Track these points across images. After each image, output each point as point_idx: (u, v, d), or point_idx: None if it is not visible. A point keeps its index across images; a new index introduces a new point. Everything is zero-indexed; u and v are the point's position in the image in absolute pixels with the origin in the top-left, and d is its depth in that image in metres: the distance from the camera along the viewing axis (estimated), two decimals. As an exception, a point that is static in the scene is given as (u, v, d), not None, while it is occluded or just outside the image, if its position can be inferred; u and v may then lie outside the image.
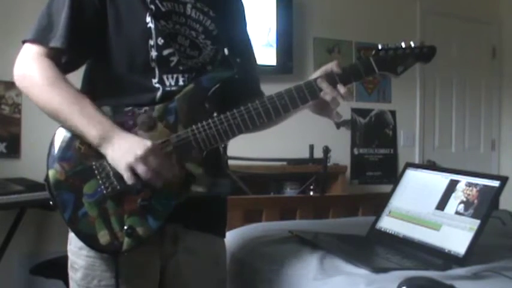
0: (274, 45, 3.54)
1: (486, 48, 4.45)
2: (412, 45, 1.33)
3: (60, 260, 1.67)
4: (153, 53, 1.25)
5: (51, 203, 1.18)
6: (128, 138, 1.16)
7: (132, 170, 1.13)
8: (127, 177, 1.14)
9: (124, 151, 1.14)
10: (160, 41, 1.25)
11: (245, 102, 1.27)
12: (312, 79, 1.29)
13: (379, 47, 1.31)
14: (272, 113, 1.26)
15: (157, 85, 1.25)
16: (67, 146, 1.19)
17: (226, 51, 1.32)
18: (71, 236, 1.25)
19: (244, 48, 1.46)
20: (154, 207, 1.19)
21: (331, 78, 1.28)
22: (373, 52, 1.31)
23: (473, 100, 4.40)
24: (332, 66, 1.30)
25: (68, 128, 1.19)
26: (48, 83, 1.19)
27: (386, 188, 1.91)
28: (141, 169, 1.13)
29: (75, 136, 1.19)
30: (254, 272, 1.55)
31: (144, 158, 1.13)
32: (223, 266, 1.46)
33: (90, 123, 1.16)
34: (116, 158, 1.15)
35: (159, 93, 1.24)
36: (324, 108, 1.33)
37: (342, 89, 1.27)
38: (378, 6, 3.94)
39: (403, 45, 1.33)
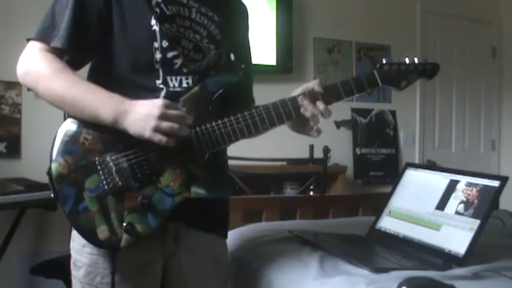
0: (274, 45, 3.53)
1: (486, 48, 4.44)
2: (416, 61, 1.35)
3: (60, 260, 1.68)
4: (158, 55, 1.26)
5: (52, 195, 1.19)
6: (140, 104, 1.17)
7: (159, 130, 1.15)
8: (158, 139, 1.15)
9: (143, 118, 1.15)
10: (165, 44, 1.26)
11: (238, 109, 1.28)
12: (296, 95, 1.31)
13: (383, 61, 1.34)
14: (276, 120, 1.28)
15: (161, 86, 1.26)
16: (71, 140, 1.20)
17: (232, 56, 1.34)
18: (74, 233, 1.26)
19: (246, 55, 1.48)
20: (155, 205, 1.20)
21: (312, 96, 1.30)
22: (377, 66, 1.34)
23: (473, 100, 4.40)
24: (314, 84, 1.31)
25: (79, 113, 1.20)
26: (54, 72, 1.20)
27: (389, 188, 1.91)
28: (165, 126, 1.15)
29: (81, 130, 1.20)
30: (254, 272, 1.55)
31: (163, 115, 1.15)
32: (225, 266, 1.46)
33: (102, 100, 1.18)
34: (138, 128, 1.15)
35: (162, 93, 1.25)
36: (304, 126, 1.34)
37: (321, 105, 1.29)
38: (378, 6, 3.93)
39: (407, 61, 1.35)
